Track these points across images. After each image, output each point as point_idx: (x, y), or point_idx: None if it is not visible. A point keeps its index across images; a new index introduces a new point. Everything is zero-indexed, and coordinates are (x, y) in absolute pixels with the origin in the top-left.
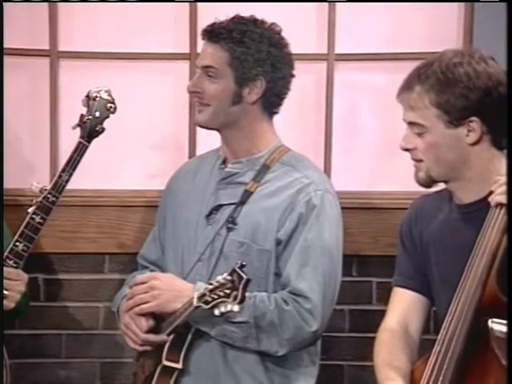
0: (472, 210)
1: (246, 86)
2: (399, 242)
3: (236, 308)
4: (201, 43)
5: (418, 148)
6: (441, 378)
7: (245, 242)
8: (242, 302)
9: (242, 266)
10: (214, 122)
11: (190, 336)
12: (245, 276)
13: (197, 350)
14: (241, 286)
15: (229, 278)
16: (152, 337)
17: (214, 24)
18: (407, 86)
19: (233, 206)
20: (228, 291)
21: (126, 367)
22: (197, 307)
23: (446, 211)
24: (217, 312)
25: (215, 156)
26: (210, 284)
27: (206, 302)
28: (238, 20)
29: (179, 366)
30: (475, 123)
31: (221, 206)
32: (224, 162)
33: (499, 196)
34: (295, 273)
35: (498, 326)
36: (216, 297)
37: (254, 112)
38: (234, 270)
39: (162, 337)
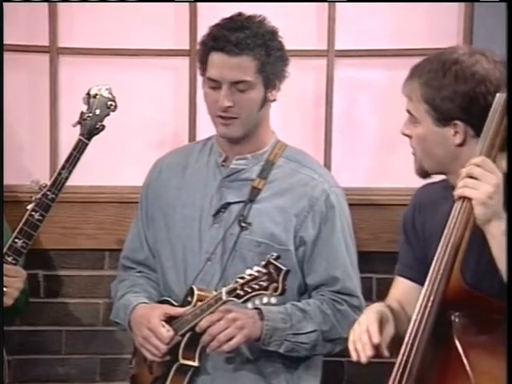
0: None
1: (272, 86)
2: (402, 230)
3: (273, 300)
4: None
5: (413, 137)
6: (407, 372)
7: (263, 242)
8: (282, 293)
9: (277, 258)
10: (245, 132)
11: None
12: (284, 267)
13: None
14: (281, 278)
15: (264, 270)
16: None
17: (223, 33)
18: (410, 75)
19: (241, 204)
20: (265, 283)
21: (126, 363)
22: (225, 302)
23: (450, 201)
24: (250, 305)
25: (200, 149)
26: (242, 278)
27: (238, 296)
28: (246, 23)
29: (196, 363)
30: (459, 126)
31: (228, 204)
32: (225, 160)
33: (461, 189)
34: (341, 273)
35: (459, 320)
36: (250, 290)
37: (268, 109)
38: (269, 262)
39: (177, 338)
